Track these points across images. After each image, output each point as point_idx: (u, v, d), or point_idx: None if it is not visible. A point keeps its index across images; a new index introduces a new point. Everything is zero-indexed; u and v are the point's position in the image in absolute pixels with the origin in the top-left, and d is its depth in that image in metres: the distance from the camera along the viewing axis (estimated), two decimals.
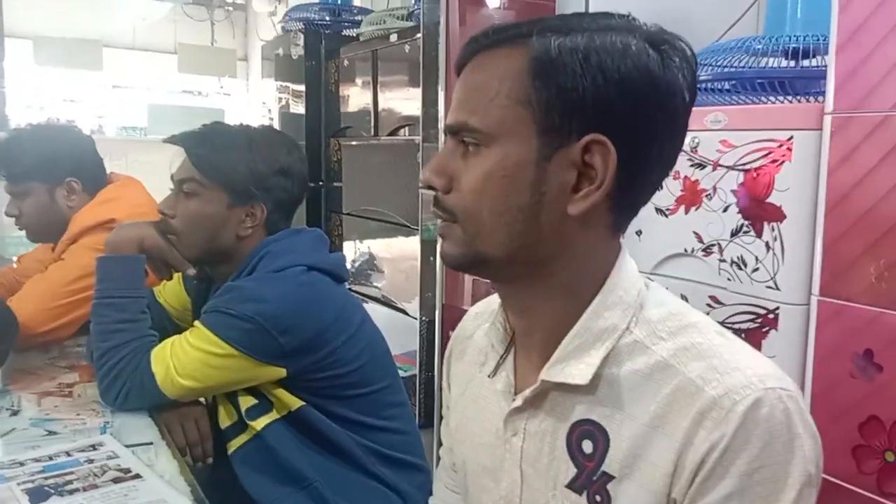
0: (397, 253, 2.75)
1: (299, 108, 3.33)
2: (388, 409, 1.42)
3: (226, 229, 1.38)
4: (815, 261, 1.29)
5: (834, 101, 1.25)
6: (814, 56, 1.43)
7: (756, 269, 1.38)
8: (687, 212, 1.51)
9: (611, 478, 0.68)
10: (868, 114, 1.19)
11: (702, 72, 1.49)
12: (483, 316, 0.88)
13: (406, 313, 2.61)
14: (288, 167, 1.41)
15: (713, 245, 1.46)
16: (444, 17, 2.10)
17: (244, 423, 1.35)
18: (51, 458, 1.11)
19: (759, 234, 1.38)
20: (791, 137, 1.32)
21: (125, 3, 6.34)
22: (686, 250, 1.52)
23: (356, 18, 3.24)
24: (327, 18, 3.27)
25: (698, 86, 0.78)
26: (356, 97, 3.10)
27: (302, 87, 3.30)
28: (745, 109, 1.44)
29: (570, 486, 0.70)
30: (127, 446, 1.17)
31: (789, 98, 1.42)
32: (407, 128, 2.71)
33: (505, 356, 0.79)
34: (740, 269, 1.41)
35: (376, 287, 2.86)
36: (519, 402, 0.74)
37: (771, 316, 1.37)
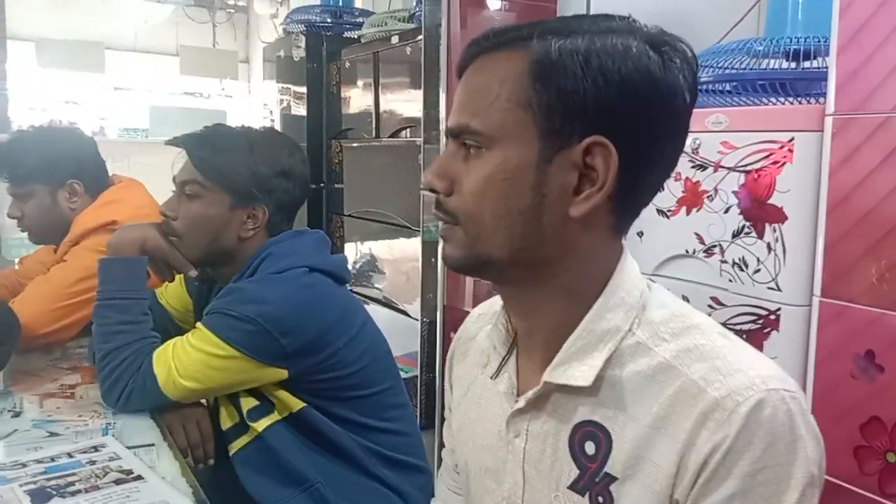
0: (398, 254, 2.75)
1: (301, 109, 3.33)
2: (390, 410, 1.42)
3: (227, 231, 1.38)
4: (816, 262, 1.29)
5: (835, 103, 1.25)
6: (815, 57, 1.43)
7: (757, 271, 1.39)
8: (688, 213, 1.51)
9: (613, 479, 0.68)
10: (869, 115, 1.19)
11: (703, 73, 1.49)
12: (485, 317, 0.89)
13: (407, 314, 2.61)
14: (289, 169, 1.41)
15: (714, 246, 1.47)
16: (446, 19, 2.10)
17: (245, 424, 1.35)
18: (53, 460, 1.11)
19: (760, 236, 1.38)
20: (792, 139, 1.32)
21: (127, 5, 6.35)
22: (687, 251, 1.52)
23: (357, 20, 3.24)
24: (329, 20, 3.27)
25: (699, 87, 0.78)
26: (357, 99, 3.10)
27: (303, 89, 3.30)
28: (747, 111, 1.44)
29: (572, 487, 0.71)
30: (129, 448, 1.17)
31: (790, 99, 1.42)
32: (408, 129, 2.71)
33: (507, 357, 0.79)
34: (741, 270, 1.41)
35: (377, 288, 2.86)
36: (521, 403, 0.74)
37: (772, 317, 1.37)
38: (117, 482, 1.05)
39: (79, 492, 1.01)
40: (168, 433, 1.27)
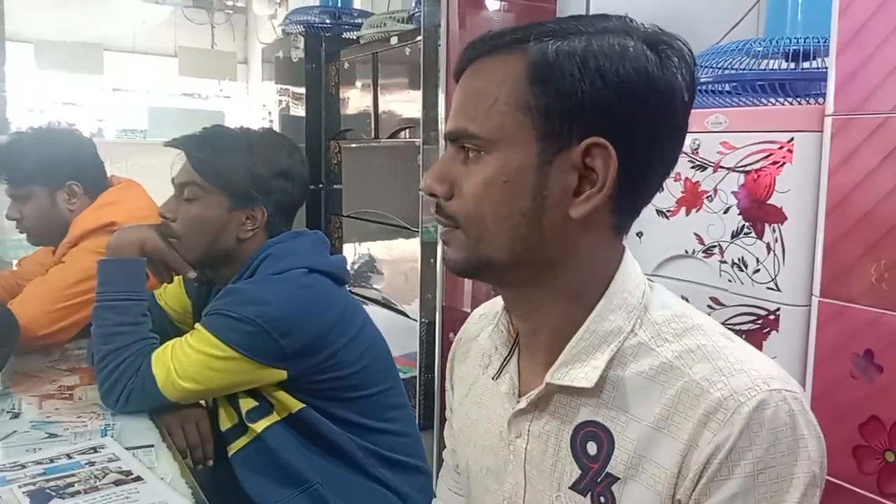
0: (397, 255, 2.75)
1: (299, 110, 3.33)
2: (389, 411, 1.42)
3: (226, 232, 1.38)
4: (815, 262, 1.29)
5: (834, 103, 1.25)
6: (814, 58, 1.43)
7: (757, 271, 1.39)
8: (688, 213, 1.51)
9: (615, 479, 0.68)
10: (868, 115, 1.20)
11: (702, 74, 1.49)
12: (487, 318, 0.88)
13: (406, 315, 2.61)
14: (288, 170, 1.41)
15: (714, 246, 1.47)
16: (445, 20, 2.10)
17: (245, 425, 1.34)
18: (52, 461, 1.11)
19: (759, 236, 1.38)
20: (792, 139, 1.32)
21: (126, 6, 6.34)
22: (687, 252, 1.52)
23: (356, 21, 3.24)
24: (327, 21, 3.27)
25: (699, 88, 0.78)
26: (356, 100, 3.10)
27: (302, 90, 3.30)
28: (746, 111, 1.44)
29: (574, 487, 0.71)
30: (128, 449, 1.17)
31: (790, 100, 1.42)
32: (407, 130, 2.71)
33: (509, 358, 0.79)
34: (741, 270, 1.41)
35: (376, 289, 2.85)
36: (523, 404, 0.74)
37: (772, 317, 1.37)
38: (117, 483, 1.04)
39: (78, 493, 1.01)
40: (167, 434, 1.27)
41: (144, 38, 6.51)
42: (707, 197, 1.47)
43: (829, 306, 1.26)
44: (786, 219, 1.33)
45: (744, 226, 1.40)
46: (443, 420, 0.98)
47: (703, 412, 0.63)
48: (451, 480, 0.95)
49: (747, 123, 1.40)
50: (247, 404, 1.34)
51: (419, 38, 2.35)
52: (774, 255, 1.35)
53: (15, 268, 2.11)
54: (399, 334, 2.46)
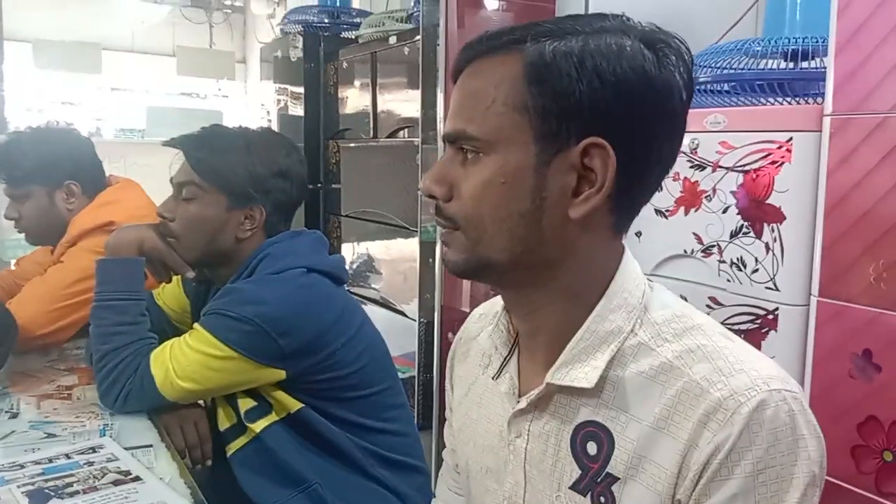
0: (396, 255, 2.75)
1: (298, 110, 3.33)
2: (388, 410, 1.42)
3: (225, 232, 1.38)
4: (814, 262, 1.29)
5: (833, 103, 1.25)
6: (813, 58, 1.43)
7: (755, 270, 1.39)
8: (686, 213, 1.51)
9: (615, 479, 0.68)
10: (867, 115, 1.20)
11: (701, 73, 1.49)
12: (487, 318, 0.88)
13: (405, 315, 2.61)
14: (287, 169, 1.41)
15: (713, 246, 1.47)
16: (443, 20, 2.10)
17: (243, 425, 1.34)
18: (50, 461, 1.11)
19: (758, 236, 1.38)
20: (790, 139, 1.32)
21: (124, 6, 6.33)
22: (686, 251, 1.52)
23: (355, 21, 3.24)
24: (326, 21, 3.27)
25: (697, 87, 0.78)
26: (355, 99, 3.10)
27: (301, 90, 3.30)
28: (745, 111, 1.44)
29: (574, 487, 0.71)
30: (126, 449, 1.17)
31: (788, 100, 1.42)
32: (406, 130, 2.71)
33: (508, 358, 0.79)
34: (740, 270, 1.42)
35: (375, 289, 2.85)
36: (523, 403, 0.74)
37: (770, 317, 1.37)
38: (115, 483, 1.04)
39: (77, 493, 1.01)
40: (166, 434, 1.27)
41: (143, 37, 6.50)
42: (706, 197, 1.47)
43: (828, 306, 1.26)
44: (784, 218, 1.33)
45: (742, 225, 1.40)
46: (442, 420, 0.98)
47: (703, 412, 0.63)
48: (451, 480, 0.95)
49: (746, 123, 1.40)
50: (245, 404, 1.34)
51: (418, 37, 2.35)
52: (773, 254, 1.35)
53: (13, 267, 2.11)
54: (398, 334, 2.46)
